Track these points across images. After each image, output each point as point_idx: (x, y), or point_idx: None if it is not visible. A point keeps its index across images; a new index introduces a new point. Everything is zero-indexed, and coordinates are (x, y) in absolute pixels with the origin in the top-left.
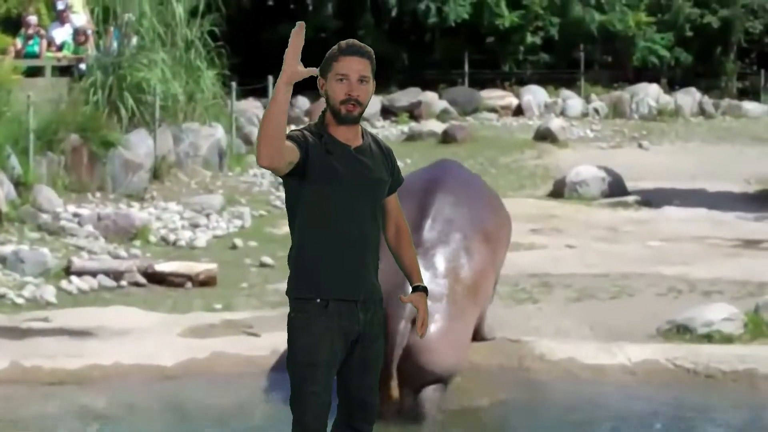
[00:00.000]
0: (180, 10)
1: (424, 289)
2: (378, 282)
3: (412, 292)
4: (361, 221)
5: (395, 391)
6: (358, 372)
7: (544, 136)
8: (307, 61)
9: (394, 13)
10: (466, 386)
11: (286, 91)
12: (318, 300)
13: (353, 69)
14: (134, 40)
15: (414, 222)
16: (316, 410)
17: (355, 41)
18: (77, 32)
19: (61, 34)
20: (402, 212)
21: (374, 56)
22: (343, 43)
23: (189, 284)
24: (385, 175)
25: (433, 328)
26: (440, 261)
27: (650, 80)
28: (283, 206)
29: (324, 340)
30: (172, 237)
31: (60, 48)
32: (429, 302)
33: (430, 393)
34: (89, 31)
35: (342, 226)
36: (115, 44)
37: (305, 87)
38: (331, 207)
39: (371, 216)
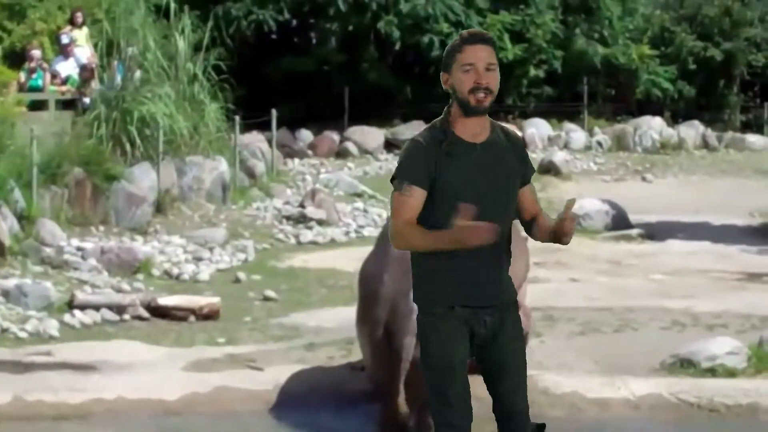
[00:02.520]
0: (184, 44)
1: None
2: (510, 280)
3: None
4: (487, 219)
5: (403, 407)
6: (500, 377)
7: (548, 169)
8: (310, 93)
9: (397, 46)
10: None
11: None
12: (443, 304)
13: (479, 57)
14: (138, 73)
15: None
16: (465, 411)
17: (477, 29)
18: (83, 68)
19: (66, 67)
20: (538, 203)
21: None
22: (464, 32)
23: (192, 318)
24: (514, 169)
25: None
26: None
27: (653, 113)
28: (286, 240)
29: (455, 341)
30: (175, 270)
31: (64, 82)
32: None
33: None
34: (94, 65)
35: None
36: (119, 78)
37: (309, 119)
38: (455, 208)
39: (500, 214)
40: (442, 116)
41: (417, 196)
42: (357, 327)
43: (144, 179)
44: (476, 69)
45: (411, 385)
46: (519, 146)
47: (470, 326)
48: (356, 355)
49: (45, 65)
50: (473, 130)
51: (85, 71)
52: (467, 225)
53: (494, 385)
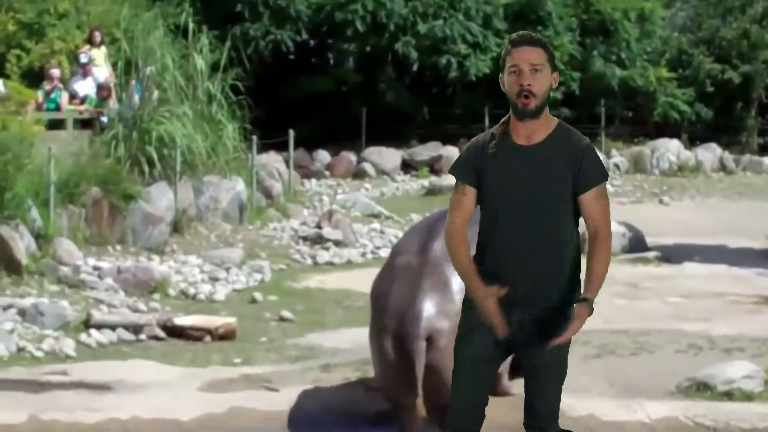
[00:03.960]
0: (202, 64)
1: (584, 300)
2: (560, 286)
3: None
4: (527, 221)
5: (423, 410)
6: (529, 378)
7: None
8: (327, 113)
9: (415, 67)
10: None
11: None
12: (470, 295)
13: (523, 59)
14: (156, 93)
15: (422, 242)
16: (458, 403)
17: (527, 32)
18: (101, 87)
19: (84, 87)
20: (604, 215)
21: (548, 45)
22: (514, 35)
23: (208, 338)
24: (562, 172)
25: (447, 344)
26: (449, 277)
27: (671, 135)
28: (303, 261)
29: (470, 334)
30: (191, 290)
31: (82, 101)
32: (444, 321)
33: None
34: (111, 85)
35: (504, 227)
36: (136, 97)
37: (326, 140)
38: (496, 209)
39: (545, 216)
40: (504, 119)
41: (470, 195)
42: (369, 343)
43: (161, 199)
44: (520, 71)
45: (428, 391)
46: (577, 151)
47: (492, 324)
48: (372, 375)
49: (59, 85)
50: (527, 132)
51: (103, 90)
52: (488, 304)
53: (526, 384)
